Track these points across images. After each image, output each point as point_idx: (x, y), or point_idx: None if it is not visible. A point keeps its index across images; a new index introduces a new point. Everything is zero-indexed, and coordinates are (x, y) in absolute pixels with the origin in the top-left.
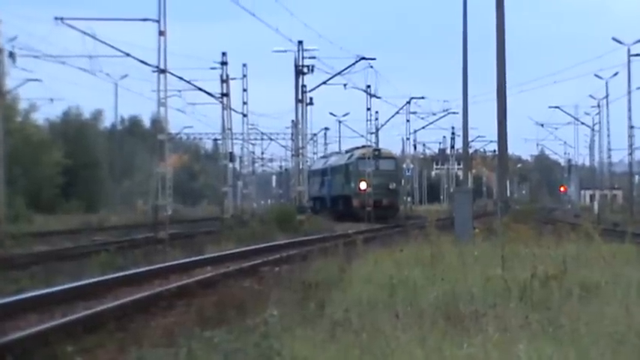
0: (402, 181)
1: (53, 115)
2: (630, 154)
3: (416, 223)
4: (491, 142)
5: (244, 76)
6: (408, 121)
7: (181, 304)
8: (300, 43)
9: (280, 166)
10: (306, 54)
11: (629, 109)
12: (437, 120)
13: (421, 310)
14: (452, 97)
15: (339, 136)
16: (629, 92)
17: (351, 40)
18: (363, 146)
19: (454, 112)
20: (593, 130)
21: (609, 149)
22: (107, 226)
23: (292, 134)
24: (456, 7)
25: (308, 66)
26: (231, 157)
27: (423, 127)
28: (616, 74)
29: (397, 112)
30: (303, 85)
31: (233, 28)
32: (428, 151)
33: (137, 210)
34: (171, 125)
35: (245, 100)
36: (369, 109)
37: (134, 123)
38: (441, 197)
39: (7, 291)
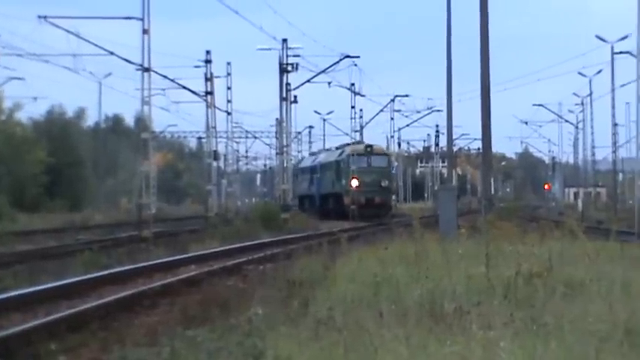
0: (394, 178)
1: (37, 114)
2: (614, 151)
3: (401, 221)
4: (475, 139)
5: (228, 74)
6: (392, 119)
7: (165, 302)
8: (285, 41)
9: (265, 165)
10: (290, 52)
11: (613, 107)
12: (421, 118)
13: (405, 308)
14: (436, 95)
15: (324, 134)
16: (613, 90)
17: (336, 38)
18: (355, 142)
19: (438, 110)
20: (577, 127)
21: (593, 147)
22: (91, 225)
23: (276, 132)
24: (440, 6)
25: (292, 64)
26: (216, 155)
27: (408, 125)
28: (599, 72)
29: (381, 110)
30: (288, 83)
31: (217, 26)
32: (412, 149)
33: (121, 208)
34: (156, 124)
35: (229, 99)
36: (353, 107)
37: (117, 121)
38: (426, 195)
39: None
